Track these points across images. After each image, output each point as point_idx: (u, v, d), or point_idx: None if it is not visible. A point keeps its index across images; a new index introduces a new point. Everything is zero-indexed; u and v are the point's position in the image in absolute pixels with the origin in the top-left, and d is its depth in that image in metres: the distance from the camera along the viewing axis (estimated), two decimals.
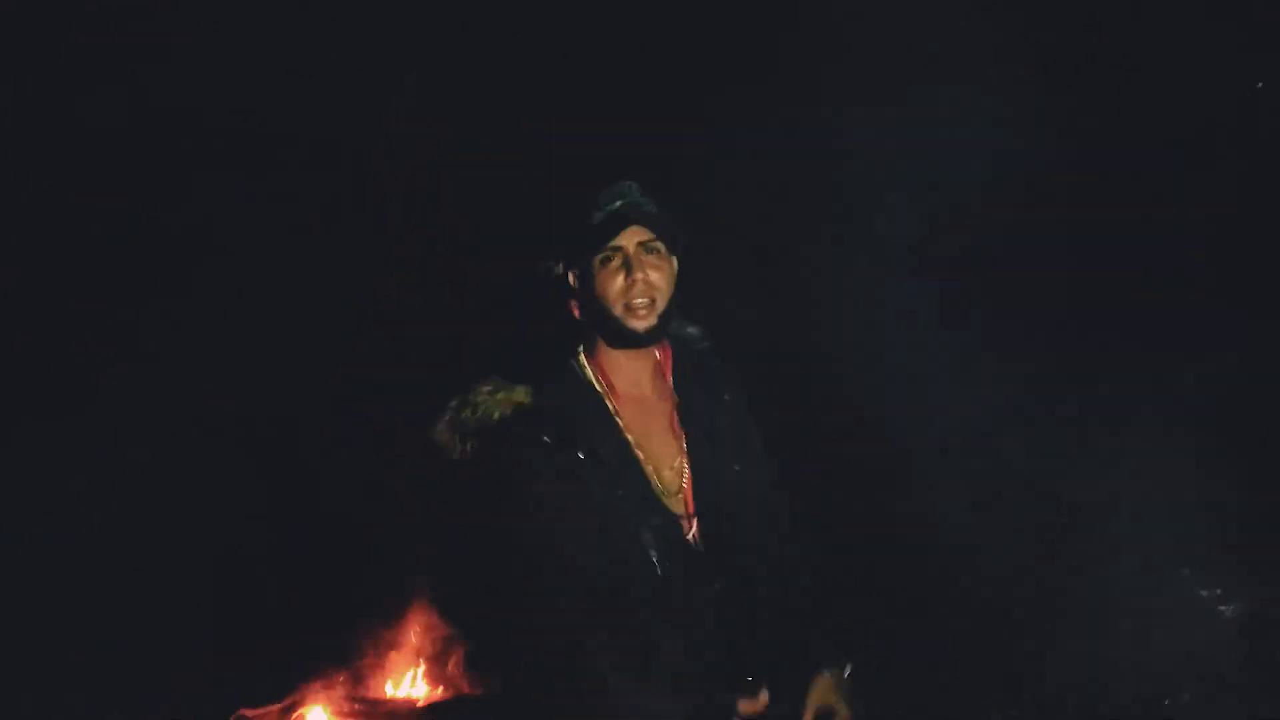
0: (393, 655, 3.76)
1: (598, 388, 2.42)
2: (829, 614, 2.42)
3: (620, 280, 2.34)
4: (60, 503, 3.50)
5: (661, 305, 2.36)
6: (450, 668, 3.75)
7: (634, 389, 2.42)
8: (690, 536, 2.38)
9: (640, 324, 2.35)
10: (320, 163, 3.74)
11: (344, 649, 3.70)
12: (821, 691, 2.38)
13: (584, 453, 2.35)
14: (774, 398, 2.70)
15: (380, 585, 3.77)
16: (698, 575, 2.35)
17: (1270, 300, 3.74)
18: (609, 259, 2.35)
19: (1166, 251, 3.78)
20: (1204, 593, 3.60)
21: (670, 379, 2.47)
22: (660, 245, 2.37)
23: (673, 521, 2.37)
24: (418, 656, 3.78)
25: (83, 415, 3.48)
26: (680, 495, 2.40)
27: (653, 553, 2.33)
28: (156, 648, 3.51)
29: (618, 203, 2.36)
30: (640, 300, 2.34)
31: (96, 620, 3.49)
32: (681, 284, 2.40)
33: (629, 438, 2.40)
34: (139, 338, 3.60)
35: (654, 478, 2.39)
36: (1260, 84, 3.80)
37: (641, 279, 2.34)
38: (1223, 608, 3.57)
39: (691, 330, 2.52)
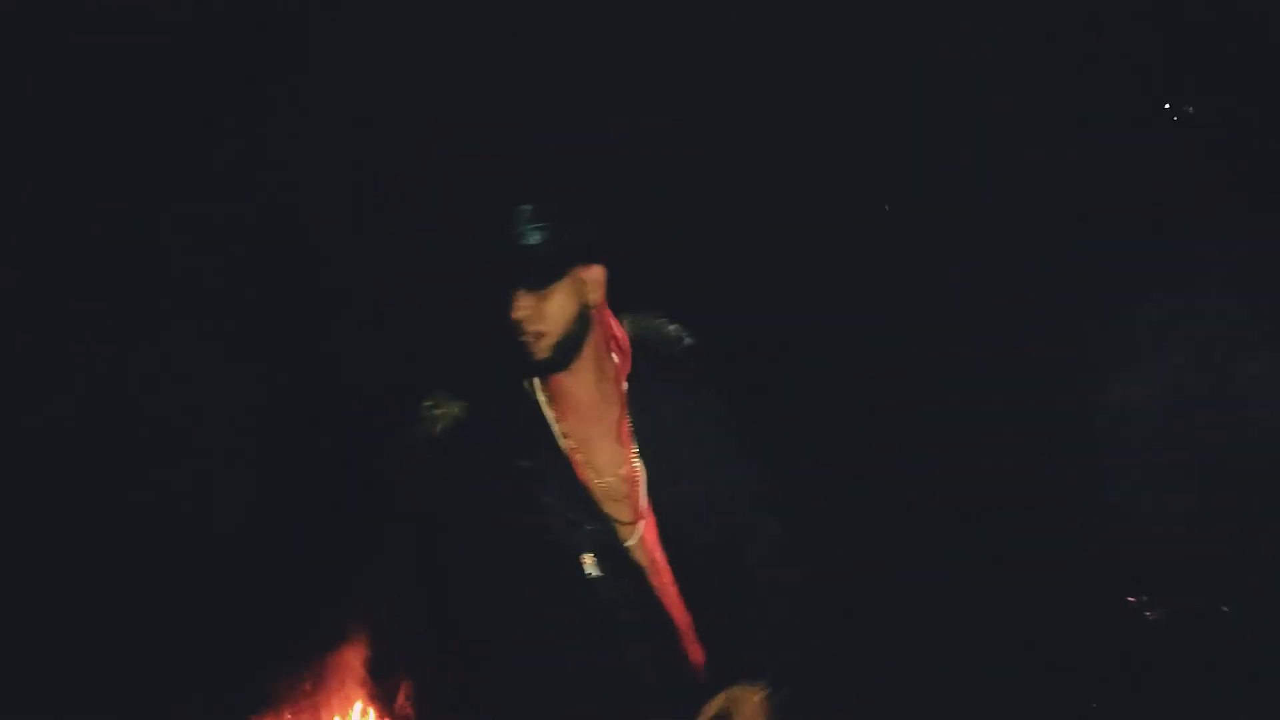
0: (336, 689, 3.64)
1: (538, 395, 2.42)
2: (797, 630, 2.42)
3: (509, 318, 2.33)
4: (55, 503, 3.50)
5: (557, 335, 2.34)
6: (399, 701, 3.63)
7: (583, 394, 2.42)
8: (636, 542, 2.38)
9: (535, 356, 2.35)
10: (321, 163, 3.73)
11: (284, 683, 3.60)
12: (727, 702, 2.37)
13: (513, 463, 2.36)
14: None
15: (328, 612, 3.67)
16: (638, 581, 2.35)
17: None
18: (499, 294, 2.34)
19: None
20: (1130, 599, 3.62)
21: (624, 382, 2.46)
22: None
23: (609, 528, 2.36)
24: (362, 690, 3.66)
25: (80, 415, 3.49)
26: (626, 501, 2.40)
27: (586, 560, 2.33)
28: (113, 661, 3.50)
29: (501, 237, 2.35)
30: (530, 339, 2.33)
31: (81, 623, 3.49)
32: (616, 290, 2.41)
33: (564, 444, 2.39)
34: (138, 338, 3.60)
35: (593, 483, 2.38)
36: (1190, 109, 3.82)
37: (525, 317, 2.33)
38: (1149, 614, 3.60)
39: (671, 328, 2.52)
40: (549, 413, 2.40)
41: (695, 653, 2.39)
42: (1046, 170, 3.87)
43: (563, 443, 2.39)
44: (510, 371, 2.39)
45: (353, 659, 3.58)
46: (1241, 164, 3.81)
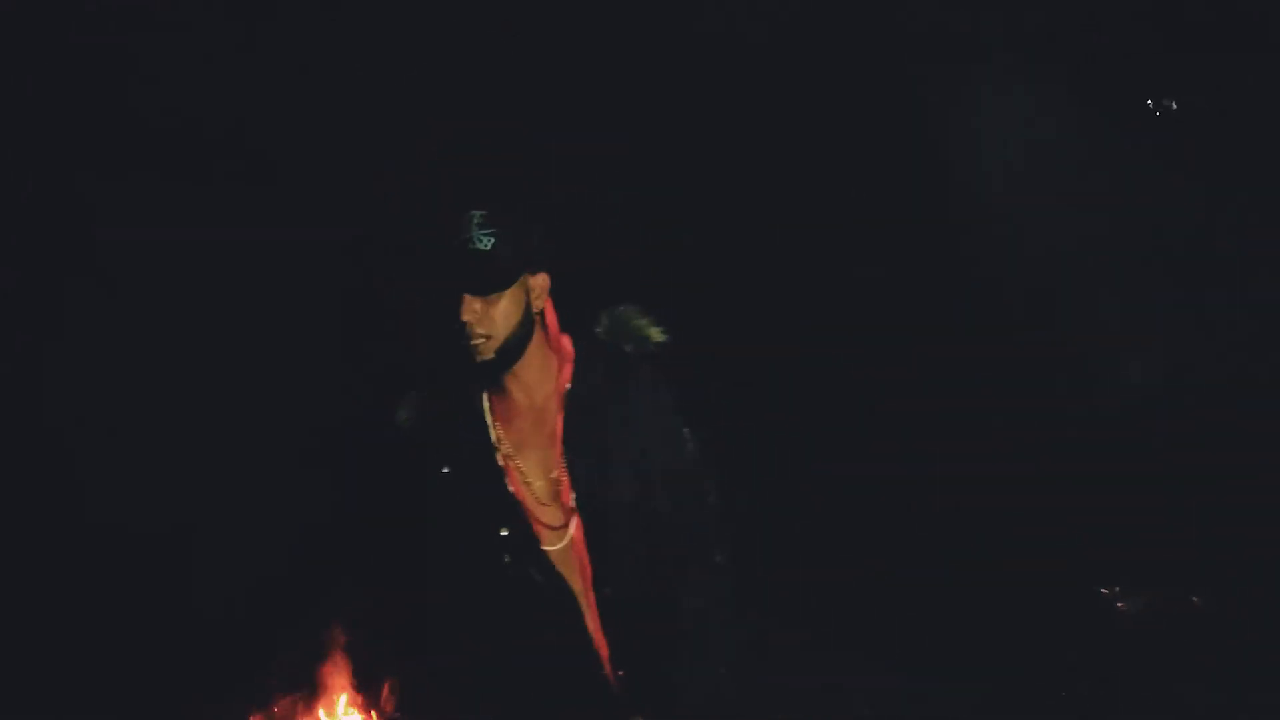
0: (325, 686, 3.61)
1: (480, 398, 2.46)
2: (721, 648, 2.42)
3: (456, 319, 2.37)
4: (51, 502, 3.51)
5: (502, 339, 2.38)
6: (383, 696, 3.60)
7: (525, 397, 2.46)
8: (564, 545, 2.41)
9: (478, 358, 2.39)
10: (323, 164, 3.73)
11: (271, 681, 3.58)
12: None
13: (443, 465, 2.41)
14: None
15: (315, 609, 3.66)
16: (556, 586, 2.39)
17: None
18: (445, 296, 2.38)
19: None
20: (1103, 590, 3.64)
21: (565, 385, 2.49)
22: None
23: (527, 532, 2.40)
24: (348, 687, 3.63)
25: (77, 415, 3.50)
26: (556, 504, 2.43)
27: (506, 559, 2.38)
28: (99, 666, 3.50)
29: (453, 241, 2.39)
30: (475, 342, 2.37)
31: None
32: (564, 295, 2.44)
33: (497, 447, 2.44)
34: (137, 338, 3.60)
35: (523, 487, 2.42)
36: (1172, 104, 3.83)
37: (472, 319, 2.36)
38: (1121, 605, 3.61)
39: (642, 324, 2.55)
40: (489, 418, 2.44)
41: (606, 662, 2.42)
42: (1045, 169, 3.87)
43: (500, 448, 2.43)
44: (457, 375, 2.43)
45: (339, 656, 3.57)
46: (1241, 164, 3.81)
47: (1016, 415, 3.72)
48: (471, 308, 2.33)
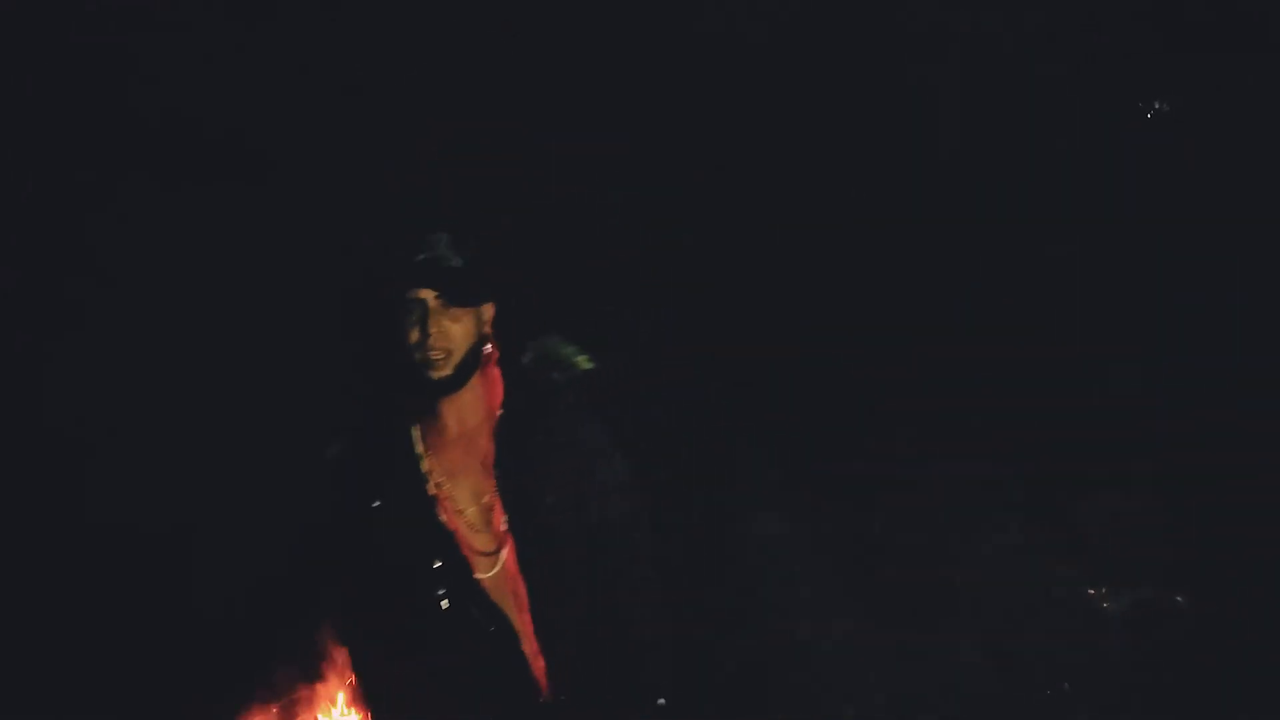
0: (323, 686, 3.60)
1: (410, 429, 2.50)
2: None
3: (416, 334, 2.41)
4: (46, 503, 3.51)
5: (460, 356, 2.42)
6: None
7: (459, 424, 2.50)
8: (498, 570, 2.44)
9: (435, 374, 2.42)
10: (323, 164, 3.74)
11: (270, 680, 3.59)
12: None
13: (373, 499, 2.44)
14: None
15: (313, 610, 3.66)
16: (492, 614, 2.41)
17: None
18: (409, 309, 2.41)
19: None
20: (1090, 591, 3.65)
21: (498, 410, 2.54)
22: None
23: (459, 561, 2.43)
24: (347, 685, 3.63)
25: (78, 415, 3.50)
26: (488, 530, 2.46)
27: (440, 591, 2.41)
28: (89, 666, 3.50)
29: (421, 256, 2.43)
30: (435, 356, 2.41)
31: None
32: (511, 321, 2.48)
33: (428, 476, 2.47)
34: (137, 338, 3.60)
35: (455, 515, 2.45)
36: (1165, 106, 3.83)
37: (436, 334, 2.41)
38: (1107, 605, 3.62)
39: (568, 351, 2.60)
40: (419, 449, 2.49)
41: (542, 682, 2.45)
42: (1045, 169, 3.87)
43: (431, 477, 2.47)
44: (411, 389, 2.46)
45: (337, 656, 3.56)
46: (1241, 164, 3.81)
47: (1016, 415, 3.72)
48: (438, 322, 2.39)
